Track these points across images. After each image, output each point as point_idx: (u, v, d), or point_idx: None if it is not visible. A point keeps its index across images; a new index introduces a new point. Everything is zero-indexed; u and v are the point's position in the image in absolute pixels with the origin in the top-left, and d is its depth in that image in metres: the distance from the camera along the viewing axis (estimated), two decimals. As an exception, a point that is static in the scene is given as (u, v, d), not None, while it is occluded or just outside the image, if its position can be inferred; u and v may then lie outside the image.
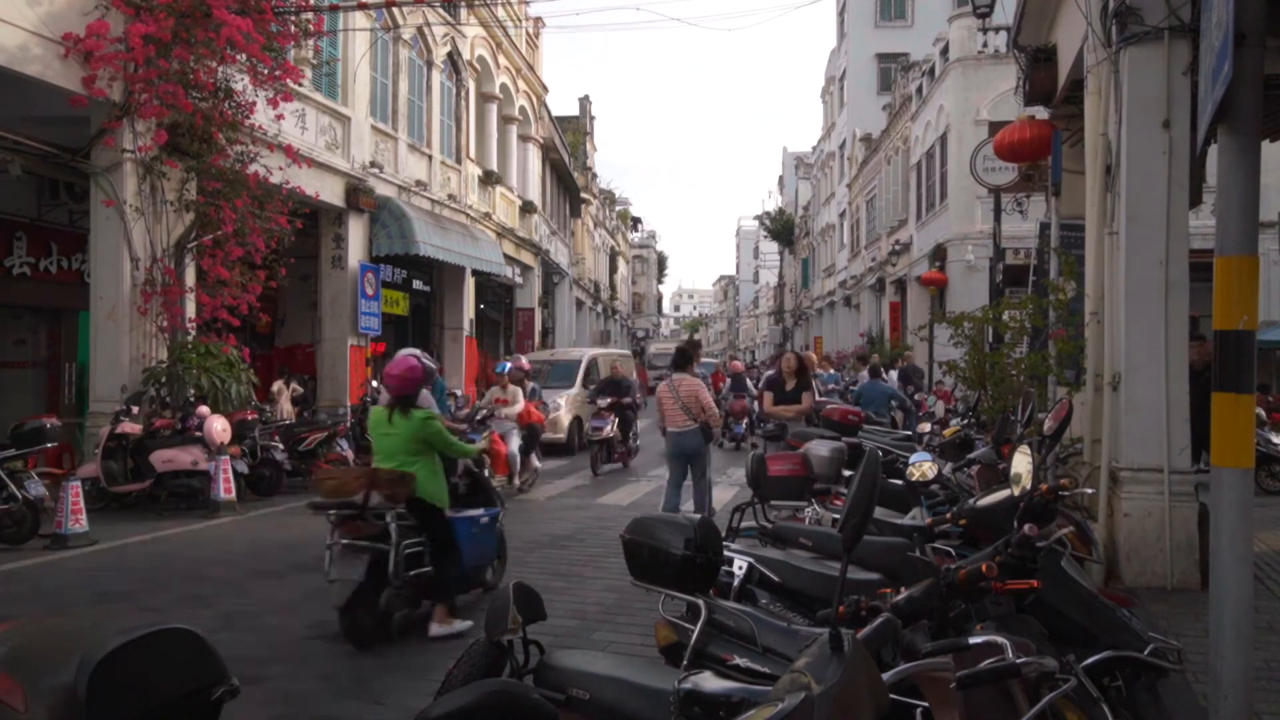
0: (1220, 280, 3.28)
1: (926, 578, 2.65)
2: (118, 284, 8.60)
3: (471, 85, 19.60)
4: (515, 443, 11.00)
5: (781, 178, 67.33)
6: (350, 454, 11.16)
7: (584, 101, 39.90)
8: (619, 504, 10.69)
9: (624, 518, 4.48)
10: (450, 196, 17.92)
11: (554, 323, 29.38)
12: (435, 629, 5.24)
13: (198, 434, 9.16)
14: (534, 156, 25.03)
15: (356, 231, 14.09)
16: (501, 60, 21.24)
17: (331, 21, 12.95)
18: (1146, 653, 2.88)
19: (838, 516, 2.98)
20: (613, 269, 47.99)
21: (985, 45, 21.37)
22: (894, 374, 19.26)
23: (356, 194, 13.81)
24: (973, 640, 2.19)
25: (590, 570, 6.97)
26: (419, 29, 16.24)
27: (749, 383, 17.92)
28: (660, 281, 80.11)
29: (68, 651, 1.57)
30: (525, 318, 24.17)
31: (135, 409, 9.12)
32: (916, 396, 18.73)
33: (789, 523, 5.24)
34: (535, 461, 11.94)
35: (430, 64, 17.14)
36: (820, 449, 6.11)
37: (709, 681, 2.43)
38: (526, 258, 23.77)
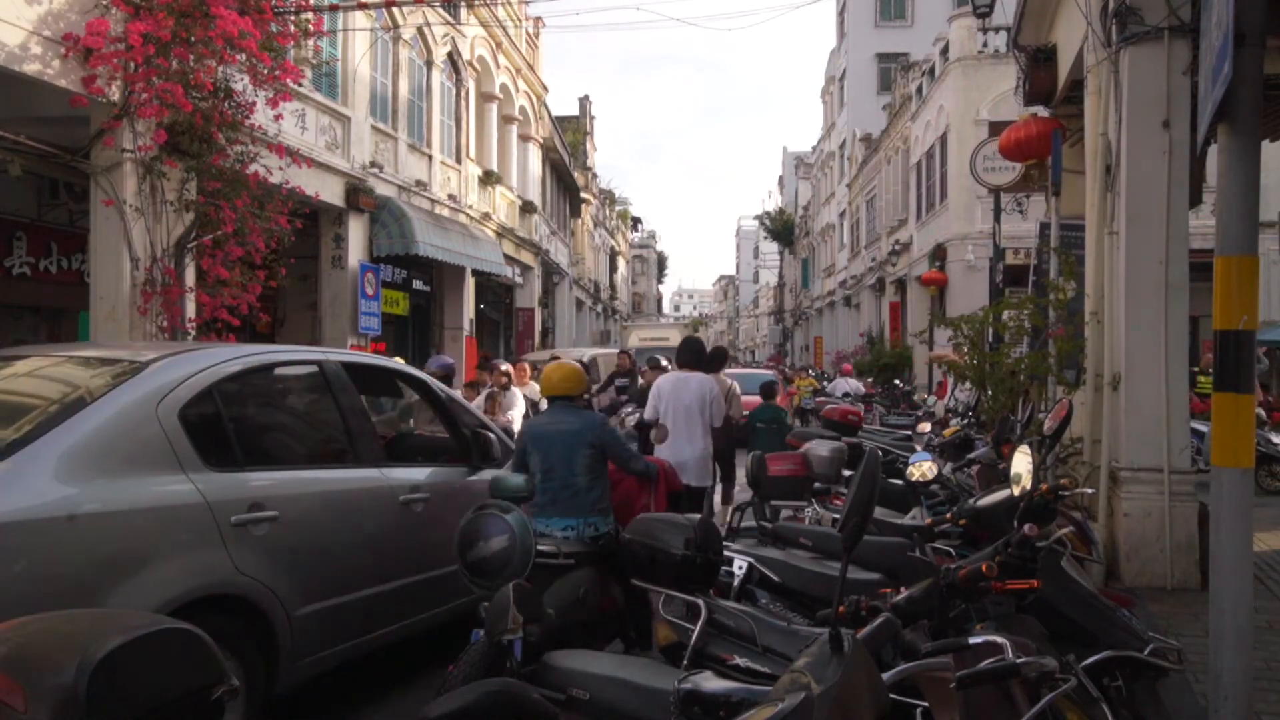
0: (1220, 280, 3.28)
1: (926, 578, 2.66)
2: (118, 284, 8.59)
3: (471, 85, 19.60)
4: None
5: (781, 178, 67.35)
6: None
7: (584, 101, 39.90)
8: (619, 504, 10.66)
9: (624, 518, 4.47)
10: (450, 196, 17.92)
11: (554, 323, 29.37)
12: None
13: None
14: (534, 156, 25.02)
15: (356, 231, 14.08)
16: (501, 60, 21.24)
17: (331, 21, 12.94)
18: (1146, 653, 2.88)
19: (838, 516, 2.99)
20: (613, 269, 47.98)
21: (985, 45, 21.37)
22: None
23: (356, 194, 13.81)
24: (973, 640, 2.19)
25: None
26: (419, 29, 16.23)
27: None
28: (660, 281, 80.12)
29: (68, 651, 1.57)
30: (525, 318, 24.17)
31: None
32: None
33: (789, 523, 5.24)
34: None
35: (430, 64, 17.13)
36: (820, 449, 6.11)
37: (709, 681, 2.43)
38: (526, 258, 23.77)
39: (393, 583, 4.41)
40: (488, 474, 5.15)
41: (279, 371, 4.56)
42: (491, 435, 5.30)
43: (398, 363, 6.28)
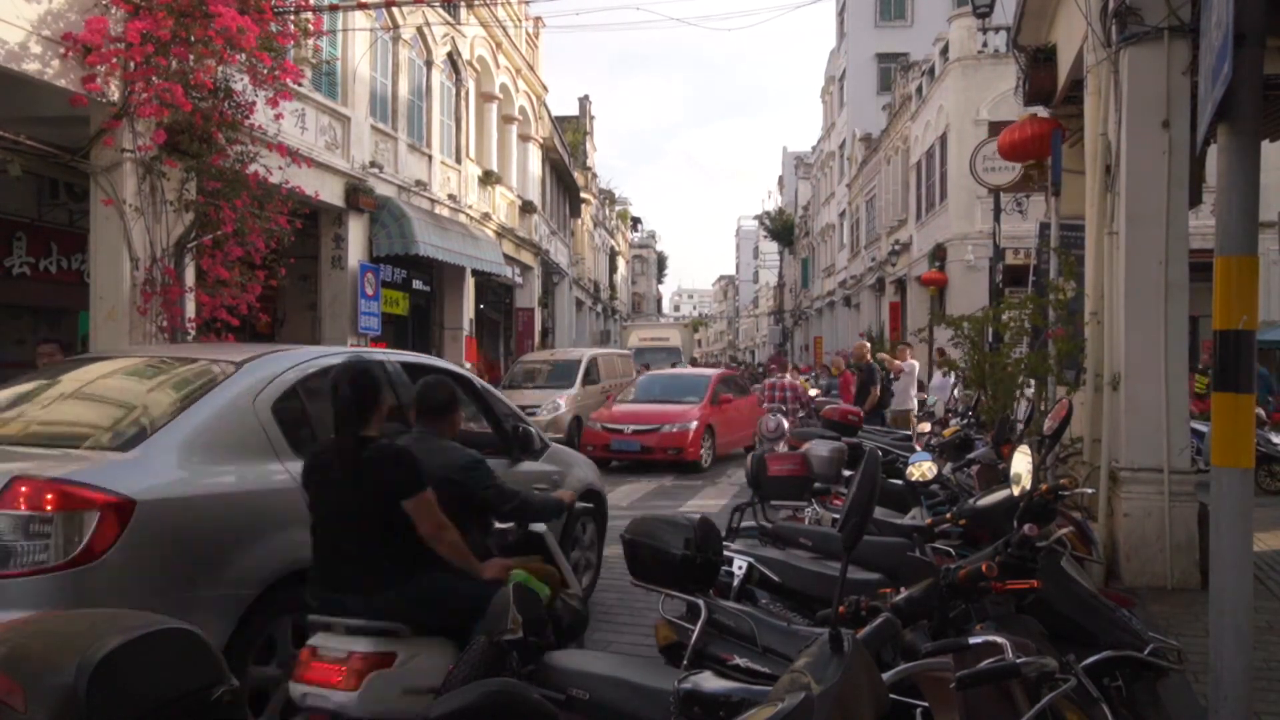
0: (1220, 280, 3.28)
1: (926, 578, 2.65)
2: (118, 284, 8.59)
3: (471, 85, 19.59)
4: None
5: (781, 178, 67.32)
6: None
7: (584, 101, 39.90)
8: (619, 504, 10.68)
9: (625, 517, 4.48)
10: (450, 196, 17.92)
11: (554, 323, 29.35)
12: None
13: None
14: (534, 156, 25.02)
15: (356, 231, 14.08)
16: (501, 60, 21.23)
17: (331, 21, 12.93)
18: (1146, 653, 2.88)
19: (838, 516, 2.99)
20: (612, 269, 47.96)
21: (985, 45, 21.36)
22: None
23: (356, 194, 13.80)
24: (973, 640, 2.19)
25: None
26: (419, 29, 16.23)
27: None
28: (660, 281, 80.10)
29: (67, 651, 1.57)
30: (525, 318, 24.16)
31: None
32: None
33: (789, 523, 5.24)
34: None
35: (430, 64, 17.13)
36: (820, 449, 6.10)
37: (709, 681, 2.43)
38: (526, 258, 23.76)
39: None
40: (527, 465, 5.53)
41: None
42: (532, 430, 5.58)
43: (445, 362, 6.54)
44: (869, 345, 15.12)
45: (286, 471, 3.90)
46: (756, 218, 67.38)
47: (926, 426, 9.20)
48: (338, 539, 3.25)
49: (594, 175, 39.71)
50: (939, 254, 22.76)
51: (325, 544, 3.29)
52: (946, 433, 7.72)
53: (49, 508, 3.16)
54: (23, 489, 3.17)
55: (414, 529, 3.21)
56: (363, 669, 2.92)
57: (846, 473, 5.98)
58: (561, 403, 15.77)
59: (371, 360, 4.42)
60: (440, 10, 16.66)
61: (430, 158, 17.08)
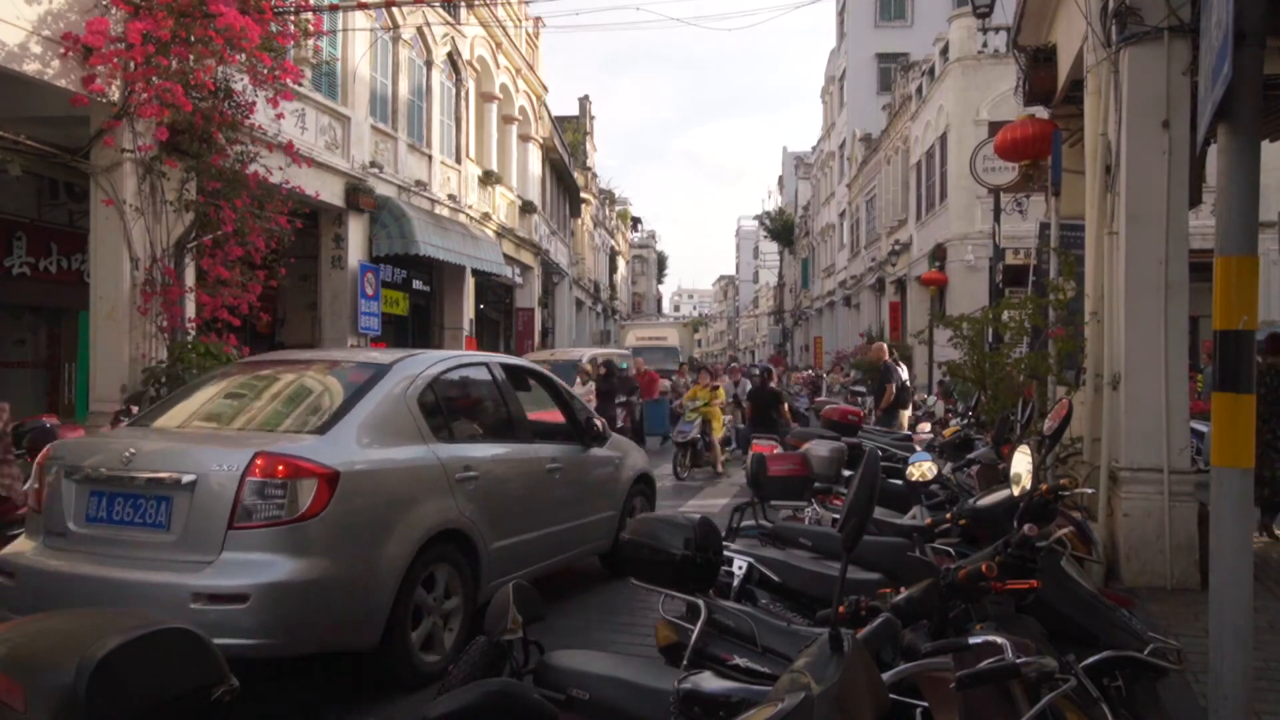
0: (1220, 280, 3.28)
1: (926, 578, 2.65)
2: (117, 284, 8.60)
3: (471, 85, 19.58)
4: None
5: (781, 178, 67.30)
6: None
7: (584, 101, 39.90)
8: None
9: (624, 518, 4.49)
10: (450, 196, 17.91)
11: (554, 323, 29.34)
12: None
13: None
14: (534, 156, 25.01)
15: (356, 231, 14.08)
16: (501, 60, 21.23)
17: (331, 21, 12.93)
18: (1146, 653, 2.87)
19: (838, 516, 2.99)
20: (612, 269, 47.95)
21: (985, 45, 21.36)
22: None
23: (356, 194, 13.80)
24: (973, 640, 2.18)
25: (591, 569, 6.97)
26: (419, 29, 16.22)
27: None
28: (660, 281, 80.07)
29: (67, 651, 1.57)
30: (525, 318, 24.14)
31: (135, 409, 9.10)
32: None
33: (789, 523, 5.24)
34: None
35: (430, 64, 17.13)
36: (820, 449, 6.12)
37: (709, 681, 2.43)
38: (526, 258, 23.75)
39: (542, 530, 5.69)
40: (595, 450, 6.51)
41: (466, 370, 5.84)
42: (596, 421, 6.59)
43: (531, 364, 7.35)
44: (885, 346, 15.03)
45: (431, 451, 4.80)
46: (756, 218, 67.37)
47: (926, 426, 9.22)
48: (761, 414, 11.96)
49: (594, 175, 39.68)
50: (939, 254, 22.76)
51: (757, 416, 12.05)
52: (947, 433, 7.73)
53: (281, 476, 4.05)
54: (259, 462, 4.05)
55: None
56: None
57: (846, 473, 5.99)
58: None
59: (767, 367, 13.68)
60: (440, 10, 16.65)
61: (430, 158, 17.08)
